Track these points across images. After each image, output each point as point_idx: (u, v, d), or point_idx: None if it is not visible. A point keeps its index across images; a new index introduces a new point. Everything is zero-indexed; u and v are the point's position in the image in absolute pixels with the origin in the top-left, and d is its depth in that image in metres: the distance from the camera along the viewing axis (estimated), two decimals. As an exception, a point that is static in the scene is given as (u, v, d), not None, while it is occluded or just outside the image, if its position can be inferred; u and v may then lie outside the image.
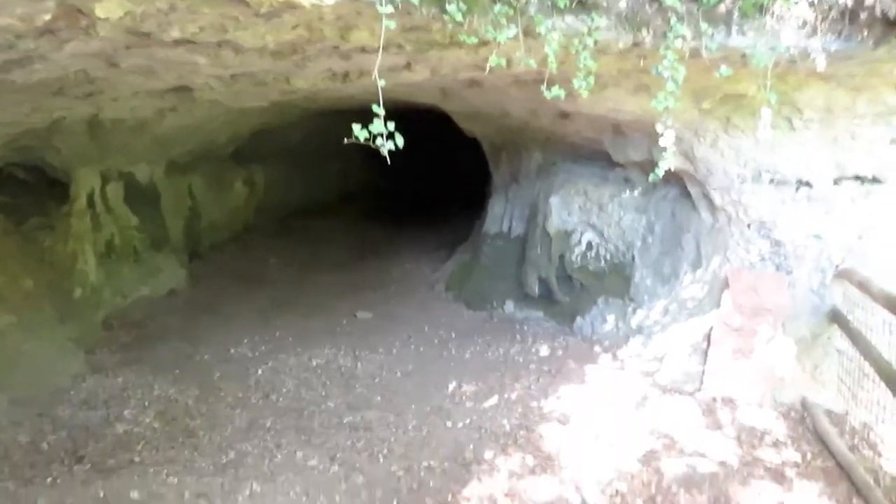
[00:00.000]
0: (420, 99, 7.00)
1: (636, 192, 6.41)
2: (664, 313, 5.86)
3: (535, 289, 7.21)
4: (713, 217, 5.45)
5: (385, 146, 2.73)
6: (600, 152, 6.62)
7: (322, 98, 7.18)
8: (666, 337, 5.68)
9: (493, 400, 5.07)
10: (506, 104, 6.43)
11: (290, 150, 12.25)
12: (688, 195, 5.77)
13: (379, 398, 5.27)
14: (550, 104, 5.76)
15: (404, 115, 3.42)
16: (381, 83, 2.87)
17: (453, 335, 6.88)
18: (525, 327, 6.99)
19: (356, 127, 2.75)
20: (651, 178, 3.85)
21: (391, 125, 2.76)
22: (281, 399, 5.31)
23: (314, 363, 6.10)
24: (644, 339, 5.89)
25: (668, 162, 3.57)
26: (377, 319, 7.46)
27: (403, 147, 2.79)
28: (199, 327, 7.11)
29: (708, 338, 5.22)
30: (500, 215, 8.17)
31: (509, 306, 7.49)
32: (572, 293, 6.97)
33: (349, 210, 13.69)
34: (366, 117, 2.80)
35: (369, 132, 2.75)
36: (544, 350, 6.28)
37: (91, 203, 7.42)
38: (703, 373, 5.13)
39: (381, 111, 2.77)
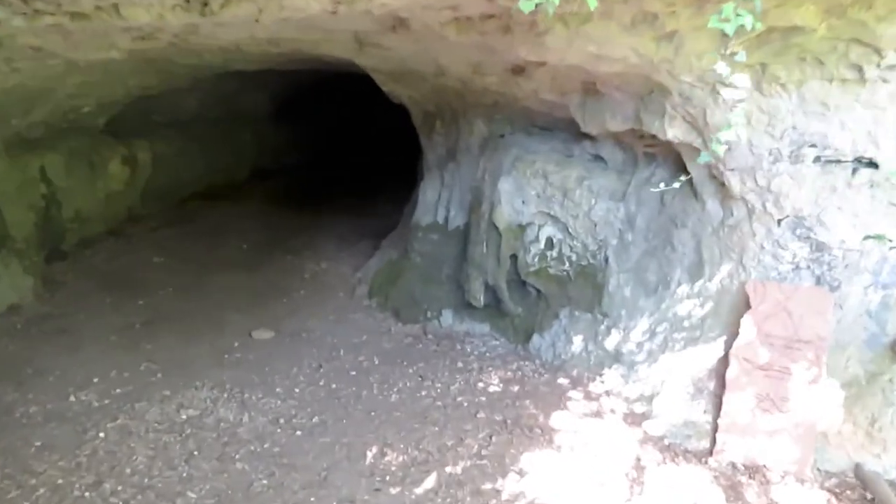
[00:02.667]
0: (331, 51, 5.32)
1: (611, 174, 4.92)
2: (649, 335, 4.44)
3: (480, 297, 5.65)
4: (724, 208, 4.00)
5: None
6: (562, 121, 5.09)
7: (201, 49, 5.33)
8: (656, 369, 4.27)
9: (430, 481, 3.53)
10: (441, 56, 4.85)
11: (184, 120, 10.30)
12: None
13: (265, 481, 3.63)
14: (500, 54, 4.21)
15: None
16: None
17: (376, 362, 5.29)
18: (468, 347, 5.46)
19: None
20: (699, 159, 2.35)
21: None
22: (119, 488, 3.61)
23: (183, 416, 4.42)
24: (625, 369, 4.47)
25: (737, 129, 2.06)
26: (279, 340, 5.77)
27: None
28: (37, 360, 5.26)
29: (721, 377, 3.82)
30: (434, 202, 6.54)
31: (447, 317, 5.94)
32: (527, 303, 5.47)
33: (259, 191, 11.74)
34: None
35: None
36: (494, 383, 4.78)
37: None
38: (714, 427, 3.74)
39: None
